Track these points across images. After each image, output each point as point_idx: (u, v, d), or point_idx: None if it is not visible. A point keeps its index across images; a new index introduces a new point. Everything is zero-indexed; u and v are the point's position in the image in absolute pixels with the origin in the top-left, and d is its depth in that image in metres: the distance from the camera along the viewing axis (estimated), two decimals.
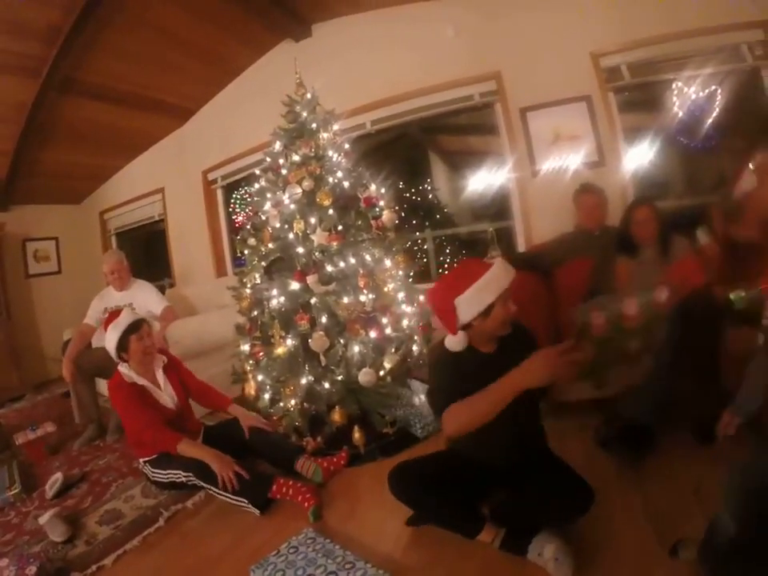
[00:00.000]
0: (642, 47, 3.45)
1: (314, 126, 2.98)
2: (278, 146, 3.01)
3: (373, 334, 2.66)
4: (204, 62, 4.61)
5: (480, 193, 4.14)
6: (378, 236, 2.83)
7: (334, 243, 2.68)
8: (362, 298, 2.67)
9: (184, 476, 2.30)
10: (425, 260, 4.60)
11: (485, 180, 4.09)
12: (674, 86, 3.41)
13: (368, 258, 2.77)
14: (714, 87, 3.27)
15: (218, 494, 2.22)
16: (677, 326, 2.14)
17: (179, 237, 5.84)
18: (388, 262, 2.83)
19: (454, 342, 1.63)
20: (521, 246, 3.84)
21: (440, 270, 4.53)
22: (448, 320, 1.60)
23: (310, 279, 2.63)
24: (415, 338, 2.89)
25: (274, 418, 2.73)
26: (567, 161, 3.61)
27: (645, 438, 2.17)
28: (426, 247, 4.63)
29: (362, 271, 2.68)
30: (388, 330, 2.74)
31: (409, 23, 4.04)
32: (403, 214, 5.04)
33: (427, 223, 4.87)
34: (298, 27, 4.43)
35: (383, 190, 2.96)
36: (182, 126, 5.65)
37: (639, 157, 3.58)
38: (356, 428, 2.56)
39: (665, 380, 2.12)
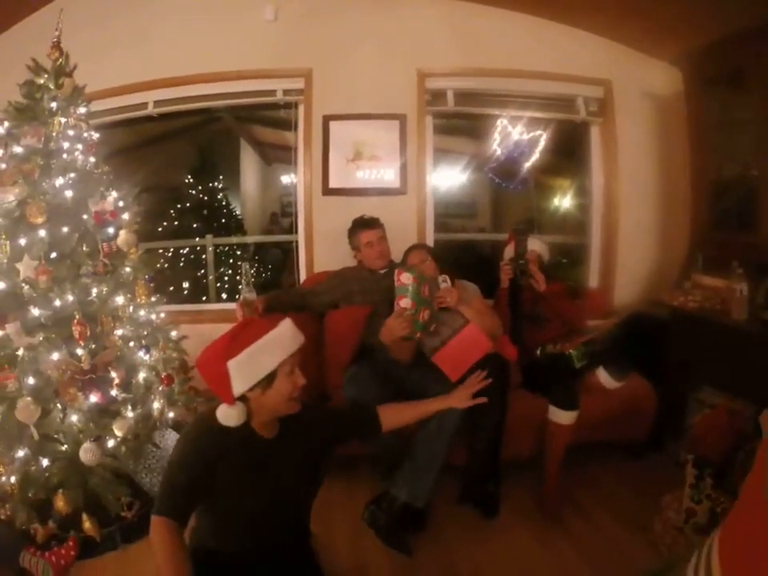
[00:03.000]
0: (475, 76, 3.35)
1: (53, 105, 2.22)
2: (1, 129, 2.19)
3: (94, 399, 2.05)
4: None
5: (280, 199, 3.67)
6: (105, 267, 2.18)
7: (42, 278, 1.98)
8: (79, 352, 2.03)
9: None
10: (202, 272, 3.97)
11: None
12: (498, 122, 3.33)
13: (93, 295, 2.14)
14: (538, 132, 3.29)
15: None
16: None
17: None
18: (120, 300, 2.22)
19: (227, 414, 1.29)
20: (301, 270, 3.45)
21: (219, 286, 3.95)
22: (220, 387, 1.28)
23: (11, 327, 1.93)
24: (156, 394, 2.34)
25: None
26: (364, 182, 3.31)
27: (418, 518, 2.11)
28: (204, 258, 3.99)
29: (77, 316, 2.02)
30: (115, 392, 2.15)
31: None
32: (174, 214, 4.43)
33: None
34: None
35: (123, 202, 2.34)
36: None
37: (445, 188, 3.47)
38: (84, 516, 2.03)
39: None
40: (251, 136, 5.73)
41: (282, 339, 1.34)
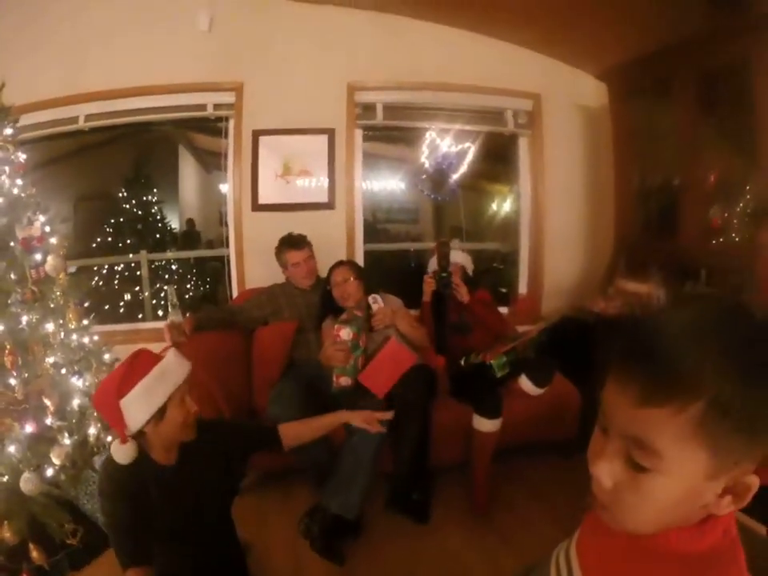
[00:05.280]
0: (405, 90, 3.40)
1: None
2: None
3: (29, 428, 2.01)
4: None
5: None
6: (33, 293, 2.12)
7: None
8: (12, 382, 2.00)
9: None
10: (137, 289, 3.88)
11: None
12: (427, 135, 3.38)
13: (23, 323, 2.08)
14: (467, 144, 3.36)
15: None
16: (393, 408, 2.08)
17: None
18: (50, 326, 2.17)
19: (121, 454, 1.31)
20: (233, 285, 3.44)
21: (155, 303, 3.87)
22: (113, 424, 1.31)
23: None
24: (91, 419, 2.28)
25: None
26: (293, 197, 3.32)
27: (352, 528, 2.15)
28: (139, 273, 3.90)
29: (8, 346, 1.98)
30: (50, 420, 2.10)
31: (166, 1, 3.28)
32: (109, 230, 4.32)
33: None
34: None
35: (50, 227, 2.28)
36: None
37: (386, 195, 3.50)
38: (31, 546, 2.00)
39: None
40: (189, 143, 5.64)
41: (169, 371, 1.35)
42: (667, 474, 0.51)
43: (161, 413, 1.31)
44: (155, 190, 4.58)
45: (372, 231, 4.03)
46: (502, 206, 4.03)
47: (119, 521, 1.33)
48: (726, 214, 2.65)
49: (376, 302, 2.43)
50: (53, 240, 2.28)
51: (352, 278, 2.54)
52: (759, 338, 0.50)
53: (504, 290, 3.82)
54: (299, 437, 1.69)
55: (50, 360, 2.17)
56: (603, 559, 0.66)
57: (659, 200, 3.11)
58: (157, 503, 1.35)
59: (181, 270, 4.37)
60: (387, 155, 4.09)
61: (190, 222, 5.23)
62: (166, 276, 4.27)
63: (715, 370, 0.48)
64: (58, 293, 2.27)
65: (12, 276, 2.10)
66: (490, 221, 4.17)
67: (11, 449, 1.96)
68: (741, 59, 2.40)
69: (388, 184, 3.86)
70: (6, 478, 1.97)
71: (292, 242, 2.77)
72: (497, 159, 3.84)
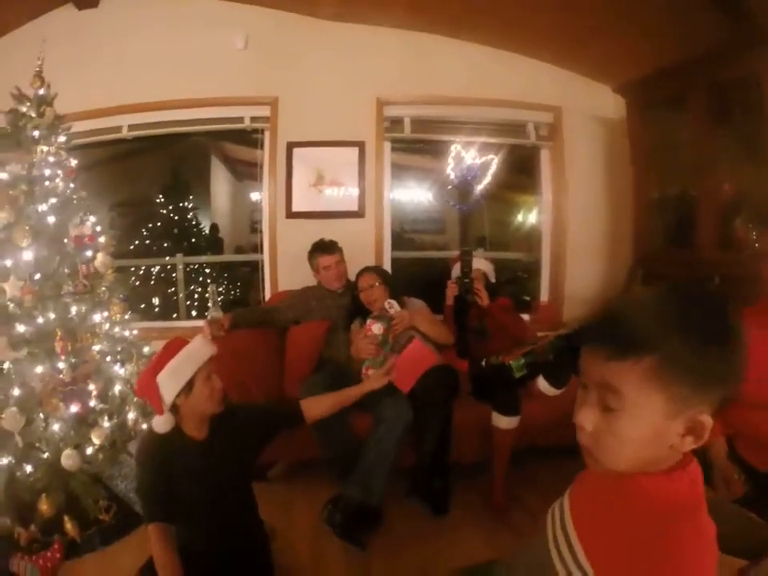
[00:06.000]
0: (431, 104, 3.55)
1: (35, 134, 2.34)
2: None
3: (74, 409, 2.19)
4: None
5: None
6: (84, 287, 2.31)
7: (27, 297, 2.11)
8: (61, 365, 2.17)
9: None
10: (173, 290, 4.07)
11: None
12: (452, 147, 3.51)
13: (73, 313, 2.26)
14: (490, 156, 3.47)
15: None
16: (416, 404, 2.30)
17: None
18: (97, 318, 2.36)
19: (160, 423, 1.55)
20: (267, 288, 3.60)
21: (189, 303, 4.05)
22: (152, 400, 1.53)
23: None
24: (131, 405, 2.45)
25: None
26: (325, 206, 3.48)
27: (373, 517, 2.27)
28: (175, 276, 4.10)
29: (59, 333, 2.16)
30: (93, 403, 2.28)
31: (204, 21, 3.48)
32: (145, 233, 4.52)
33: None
34: None
35: (100, 227, 2.48)
36: None
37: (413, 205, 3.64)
38: (66, 518, 2.14)
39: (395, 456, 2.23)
40: (222, 152, 5.84)
41: (195, 352, 1.57)
42: (633, 413, 0.65)
43: (189, 387, 1.52)
44: (191, 197, 4.80)
45: (399, 240, 4.17)
46: (525, 216, 4.14)
47: (149, 484, 1.56)
48: (738, 223, 2.73)
49: (392, 306, 2.58)
50: (101, 239, 2.47)
51: (377, 283, 2.67)
52: (701, 308, 0.64)
53: (527, 298, 3.91)
54: (321, 409, 1.82)
55: (96, 348, 2.36)
56: (587, 502, 0.79)
57: (676, 210, 3.18)
58: (185, 474, 1.53)
59: (214, 274, 4.57)
60: (415, 166, 4.22)
61: (214, 228, 5.44)
62: (200, 279, 4.46)
63: (663, 332, 0.62)
64: (104, 287, 2.46)
65: (65, 270, 2.29)
66: (514, 231, 4.28)
67: (55, 427, 2.15)
68: (750, 72, 2.48)
69: (416, 194, 4.01)
70: (46, 455, 2.15)
71: (324, 247, 2.91)
72: (520, 170, 3.94)
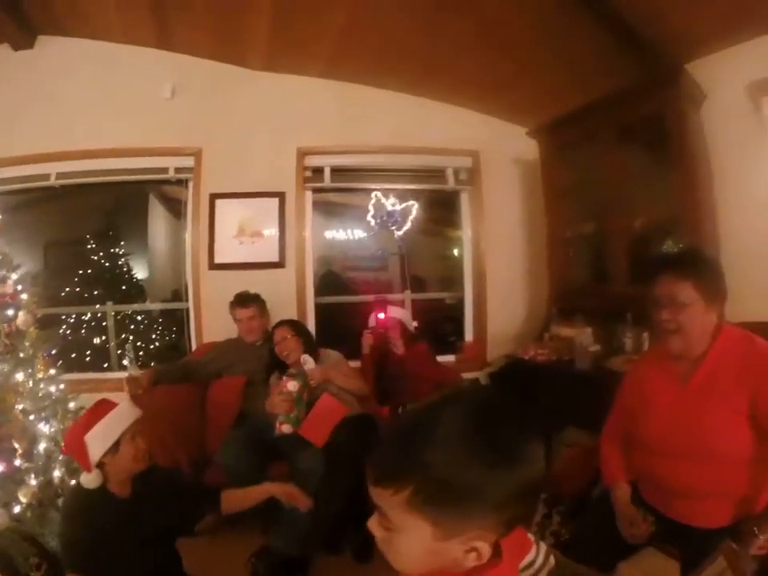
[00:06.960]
0: (351, 153, 3.67)
1: None
2: None
3: (0, 468, 2.18)
4: None
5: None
6: (5, 346, 2.30)
7: None
8: None
9: None
10: (104, 338, 4.03)
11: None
12: (372, 195, 3.61)
13: None
14: (411, 202, 3.57)
15: None
16: (331, 454, 2.34)
17: None
18: (20, 376, 2.35)
19: (89, 480, 1.62)
20: (192, 338, 3.62)
21: (120, 352, 4.00)
22: (80, 458, 1.62)
23: None
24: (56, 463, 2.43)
25: None
26: (247, 257, 3.54)
27: (299, 567, 2.25)
28: (105, 324, 4.05)
29: None
30: (18, 462, 2.26)
31: (133, 69, 3.55)
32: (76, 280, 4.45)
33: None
34: (21, 33, 3.43)
35: (21, 285, 2.45)
36: None
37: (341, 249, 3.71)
38: None
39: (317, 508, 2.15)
40: (159, 192, 5.83)
41: (122, 414, 1.68)
42: (403, 534, 0.65)
43: (116, 446, 1.61)
44: (122, 243, 4.76)
45: (336, 282, 4.23)
46: (451, 255, 4.26)
47: (73, 537, 1.62)
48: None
49: (306, 363, 2.62)
50: (24, 296, 2.44)
51: (290, 336, 2.73)
52: (471, 433, 0.62)
53: (452, 339, 4.00)
54: (235, 505, 1.90)
55: (20, 407, 2.33)
56: None
57: (590, 247, 3.29)
58: (109, 530, 1.57)
59: (146, 321, 4.53)
60: (351, 203, 4.32)
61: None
62: (132, 326, 4.41)
63: (420, 465, 0.61)
64: (28, 344, 2.43)
65: None
66: (442, 270, 4.39)
67: None
68: (655, 111, 2.64)
69: (354, 232, 4.09)
70: None
71: (239, 300, 3.00)
72: (445, 210, 4.10)
